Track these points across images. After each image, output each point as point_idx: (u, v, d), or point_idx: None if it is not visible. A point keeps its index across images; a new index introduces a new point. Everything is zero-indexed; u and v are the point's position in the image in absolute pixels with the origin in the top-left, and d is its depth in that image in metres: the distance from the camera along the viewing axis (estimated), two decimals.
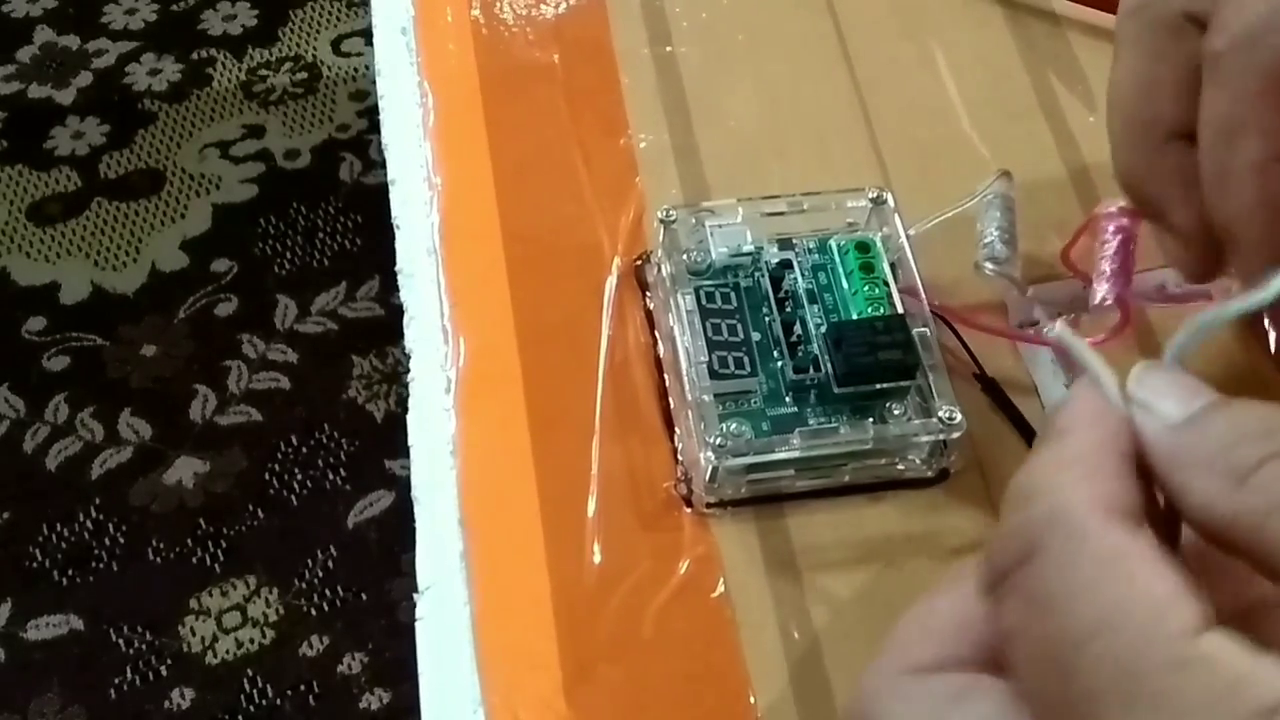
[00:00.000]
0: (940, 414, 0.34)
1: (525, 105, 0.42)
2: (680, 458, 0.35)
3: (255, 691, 1.08)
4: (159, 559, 1.14)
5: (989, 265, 0.37)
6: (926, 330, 0.35)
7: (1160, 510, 0.23)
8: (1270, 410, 0.22)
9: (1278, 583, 0.20)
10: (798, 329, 0.36)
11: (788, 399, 0.35)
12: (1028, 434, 0.35)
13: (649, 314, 0.38)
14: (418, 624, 0.34)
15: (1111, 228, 0.36)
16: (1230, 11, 0.27)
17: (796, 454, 0.34)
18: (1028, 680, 0.21)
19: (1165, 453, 0.22)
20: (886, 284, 0.36)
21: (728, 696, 0.32)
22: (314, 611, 1.11)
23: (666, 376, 0.36)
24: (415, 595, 0.34)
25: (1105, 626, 0.20)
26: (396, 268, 0.40)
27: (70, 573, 1.13)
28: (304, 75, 1.46)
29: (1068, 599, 0.20)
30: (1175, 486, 0.22)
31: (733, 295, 0.36)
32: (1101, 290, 0.36)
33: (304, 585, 1.13)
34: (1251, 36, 0.26)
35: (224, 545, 1.15)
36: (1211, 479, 0.21)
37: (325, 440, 1.21)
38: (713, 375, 0.35)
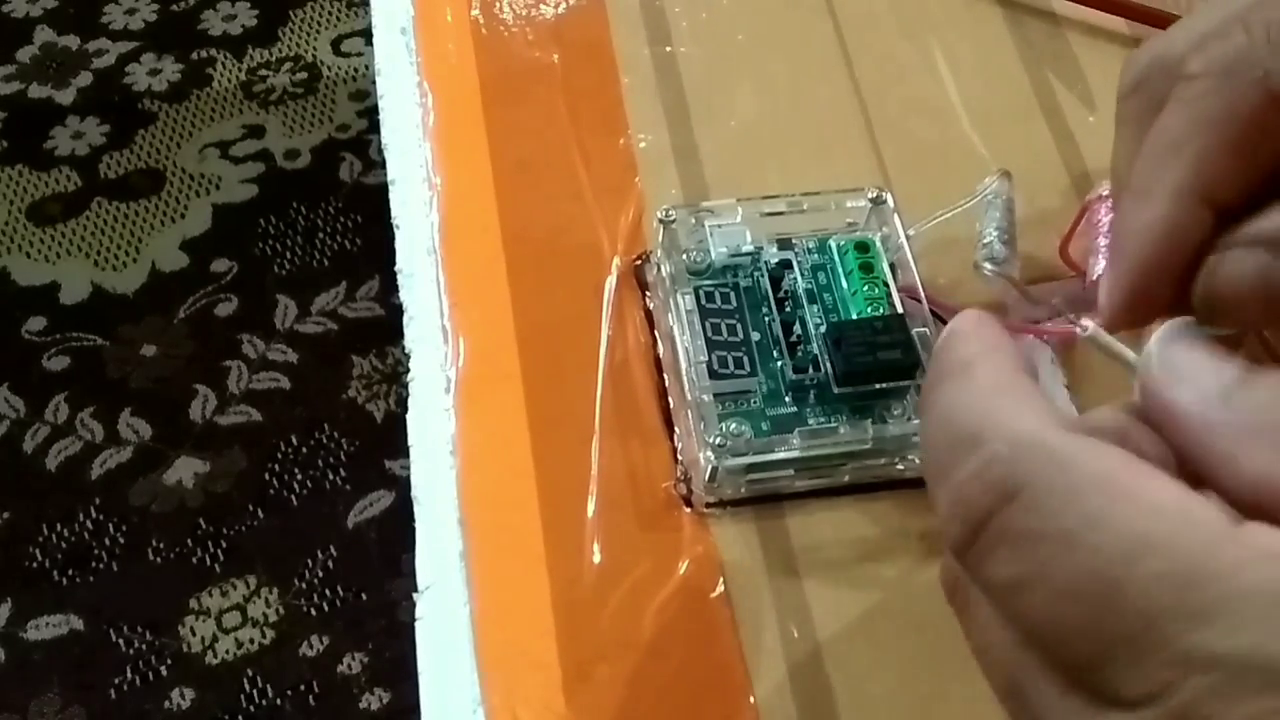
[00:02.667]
0: None
1: (525, 105, 0.42)
2: (680, 458, 0.35)
3: (255, 691, 1.08)
4: (159, 559, 1.14)
5: (988, 266, 0.37)
6: (926, 330, 0.35)
7: None
8: None
9: None
10: (797, 329, 0.36)
11: (787, 399, 0.35)
12: None
13: (649, 314, 0.38)
14: (418, 624, 0.34)
15: (1105, 209, 0.36)
16: (1215, 41, 0.27)
17: (796, 454, 0.34)
18: (1049, 628, 0.20)
19: (1204, 425, 0.21)
20: (886, 284, 0.36)
21: (728, 696, 0.32)
22: (314, 611, 1.11)
23: (666, 376, 0.36)
24: (415, 595, 0.34)
25: (1145, 543, 0.19)
26: (396, 268, 0.40)
27: (70, 573, 1.13)
28: (304, 75, 1.46)
29: (1089, 526, 0.19)
30: (1218, 456, 0.21)
31: (732, 295, 0.36)
32: (1100, 266, 0.36)
33: (304, 585, 1.13)
34: (1228, 64, 0.26)
35: (224, 545, 1.15)
36: (1264, 448, 0.20)
37: (325, 440, 1.21)
38: (712, 375, 0.35)
